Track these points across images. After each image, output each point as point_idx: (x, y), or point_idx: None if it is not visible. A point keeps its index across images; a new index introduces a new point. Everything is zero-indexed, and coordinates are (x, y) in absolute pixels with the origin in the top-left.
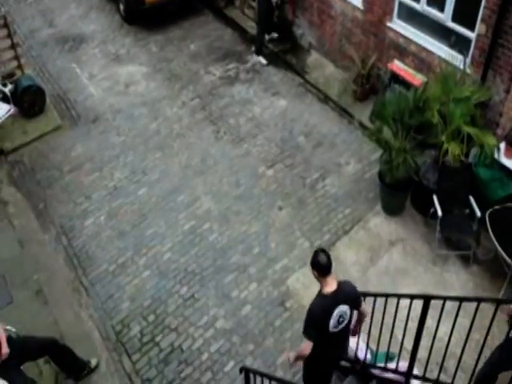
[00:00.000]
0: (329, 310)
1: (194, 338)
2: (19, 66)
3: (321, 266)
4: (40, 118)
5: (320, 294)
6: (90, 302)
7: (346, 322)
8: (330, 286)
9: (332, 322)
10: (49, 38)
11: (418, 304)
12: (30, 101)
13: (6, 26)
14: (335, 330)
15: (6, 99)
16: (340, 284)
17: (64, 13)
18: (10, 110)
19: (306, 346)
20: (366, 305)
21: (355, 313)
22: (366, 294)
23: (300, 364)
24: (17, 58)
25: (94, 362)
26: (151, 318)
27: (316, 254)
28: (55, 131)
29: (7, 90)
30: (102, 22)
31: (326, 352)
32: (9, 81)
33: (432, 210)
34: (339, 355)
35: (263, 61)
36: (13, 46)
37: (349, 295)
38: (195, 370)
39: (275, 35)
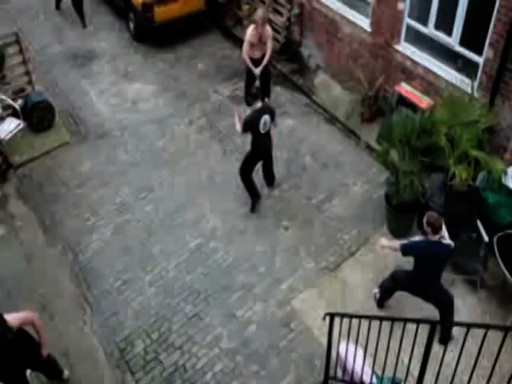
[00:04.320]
0: (259, 116)
1: (197, 357)
2: (30, 82)
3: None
4: (49, 133)
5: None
6: (95, 318)
7: (268, 126)
8: (258, 104)
9: (261, 125)
10: (59, 54)
11: (424, 329)
12: (39, 116)
13: (17, 42)
14: (262, 131)
15: (16, 114)
16: (264, 104)
17: (75, 30)
18: (19, 125)
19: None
20: (372, 328)
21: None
22: (371, 318)
23: None
24: (27, 73)
25: (66, 374)
26: (155, 335)
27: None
28: (64, 146)
29: (17, 104)
30: (111, 39)
31: (258, 142)
32: (19, 96)
33: None
34: (267, 144)
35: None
36: (24, 62)
37: (269, 110)
38: None
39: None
